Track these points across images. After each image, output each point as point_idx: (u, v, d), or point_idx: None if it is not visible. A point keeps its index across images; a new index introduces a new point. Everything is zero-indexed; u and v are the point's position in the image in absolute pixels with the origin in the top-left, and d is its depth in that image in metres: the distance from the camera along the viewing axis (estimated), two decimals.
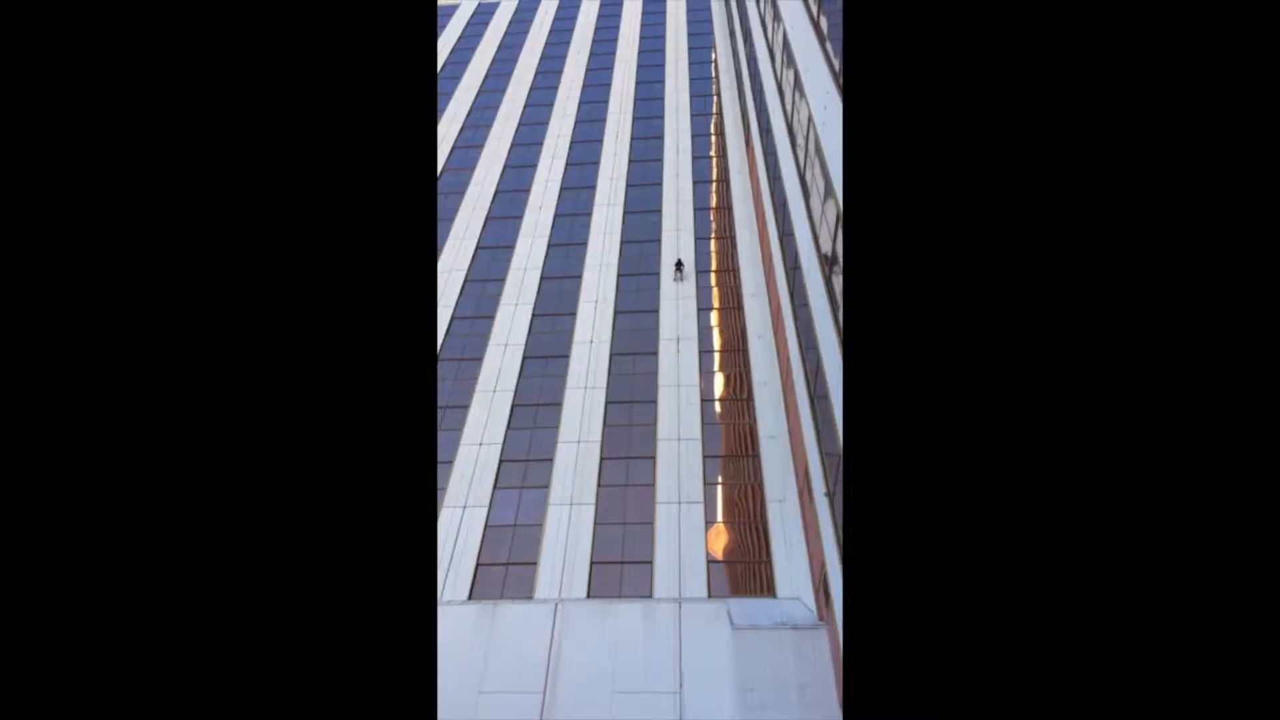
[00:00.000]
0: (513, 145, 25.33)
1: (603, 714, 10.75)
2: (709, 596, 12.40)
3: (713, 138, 25.22)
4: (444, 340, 18.05)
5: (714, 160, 24.09)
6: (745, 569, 13.06)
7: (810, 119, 11.36)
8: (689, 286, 19.03)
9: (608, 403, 16.15)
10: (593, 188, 23.02)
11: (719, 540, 13.52)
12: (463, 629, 12.01)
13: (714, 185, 22.92)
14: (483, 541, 13.65)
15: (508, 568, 13.24)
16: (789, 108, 14.04)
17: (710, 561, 13.07)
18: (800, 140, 12.65)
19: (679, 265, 18.81)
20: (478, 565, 13.28)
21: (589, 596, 12.55)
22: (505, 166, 24.27)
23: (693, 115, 26.37)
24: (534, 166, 24.19)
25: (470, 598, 12.70)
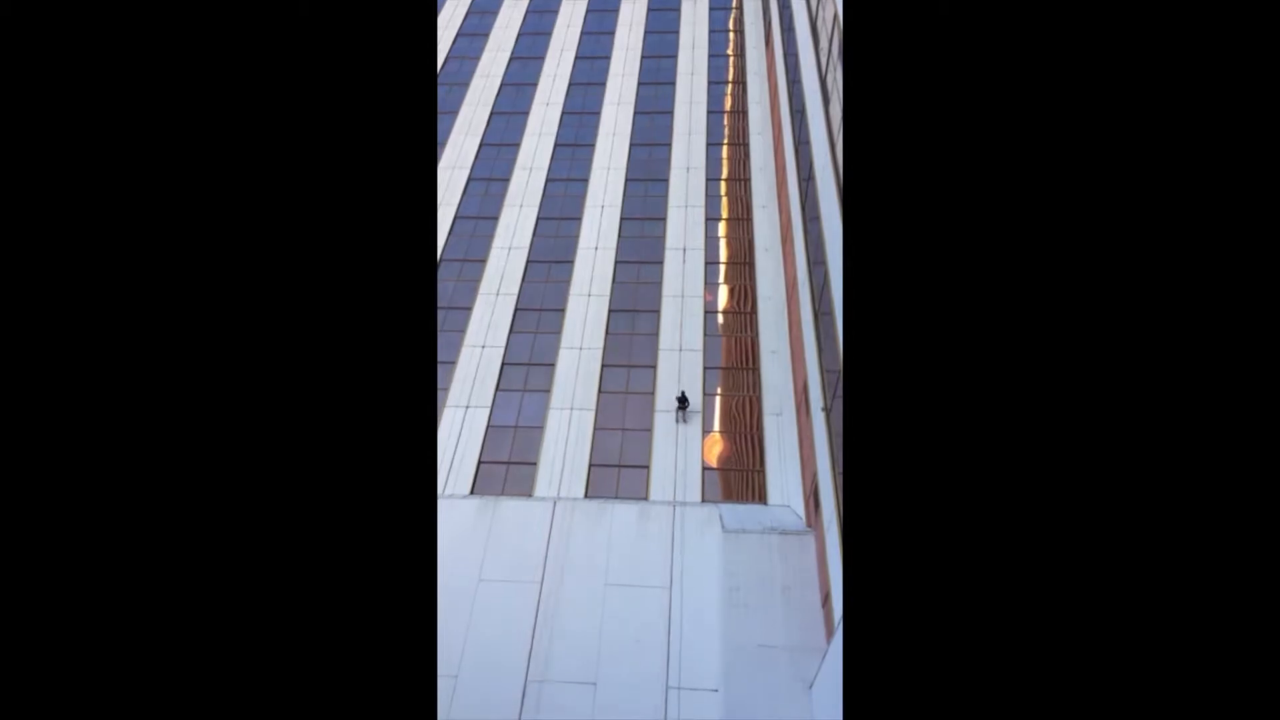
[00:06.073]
0: (520, 34, 24.01)
1: (596, 604, 11.37)
2: (702, 501, 12.83)
3: (731, 34, 23.86)
4: (446, 241, 17.78)
5: (731, 60, 22.88)
6: (739, 477, 13.45)
7: (836, 17, 10.68)
8: (698, 196, 18.53)
9: (611, 310, 16.11)
10: (602, 84, 21.99)
11: (715, 449, 13.84)
12: (464, 522, 12.50)
13: (729, 87, 21.89)
14: (484, 441, 13.99)
15: (509, 466, 13.63)
16: (813, 3, 13.18)
17: (705, 469, 13.44)
18: (824, 41, 11.95)
19: (683, 401, 14.08)
20: (479, 463, 13.66)
21: (587, 497, 12.99)
22: (511, 58, 23.10)
23: (711, 9, 24.82)
24: (542, 59, 23.01)
25: (472, 493, 13.15)
